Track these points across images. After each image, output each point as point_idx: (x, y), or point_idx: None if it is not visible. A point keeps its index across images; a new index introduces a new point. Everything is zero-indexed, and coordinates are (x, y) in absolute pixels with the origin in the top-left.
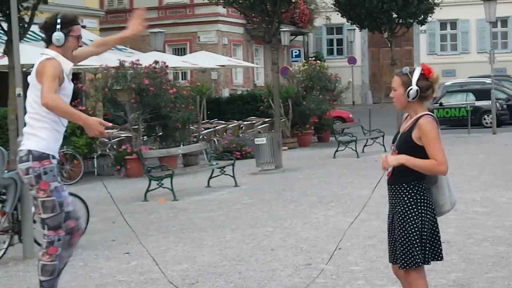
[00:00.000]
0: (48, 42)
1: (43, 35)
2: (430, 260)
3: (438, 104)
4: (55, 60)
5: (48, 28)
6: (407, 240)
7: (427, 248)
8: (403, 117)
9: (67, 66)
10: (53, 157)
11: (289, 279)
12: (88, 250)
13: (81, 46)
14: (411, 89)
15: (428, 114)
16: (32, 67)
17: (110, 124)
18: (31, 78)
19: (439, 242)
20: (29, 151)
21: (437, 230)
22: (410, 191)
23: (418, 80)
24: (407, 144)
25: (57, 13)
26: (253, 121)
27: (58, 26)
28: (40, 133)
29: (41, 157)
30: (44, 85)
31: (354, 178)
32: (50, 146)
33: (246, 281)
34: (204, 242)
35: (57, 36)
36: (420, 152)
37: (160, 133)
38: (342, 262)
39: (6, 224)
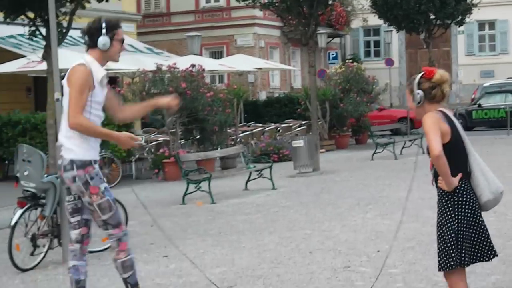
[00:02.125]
0: (90, 46)
1: (85, 39)
2: (468, 262)
3: (476, 106)
4: (84, 68)
5: (93, 33)
6: (443, 242)
7: (464, 251)
8: None
9: (100, 74)
10: (95, 162)
11: (328, 282)
12: None
13: (124, 50)
14: (413, 95)
15: (433, 111)
16: None
17: (140, 138)
18: (64, 85)
19: (484, 242)
20: (72, 161)
21: (481, 230)
22: (448, 193)
23: (419, 84)
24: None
25: (100, 18)
26: (291, 124)
27: (104, 31)
28: (78, 141)
29: (84, 164)
30: (71, 103)
31: (392, 180)
32: (89, 153)
33: (285, 284)
34: (242, 245)
35: (103, 41)
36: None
37: (198, 136)
38: (381, 264)
39: (46, 227)
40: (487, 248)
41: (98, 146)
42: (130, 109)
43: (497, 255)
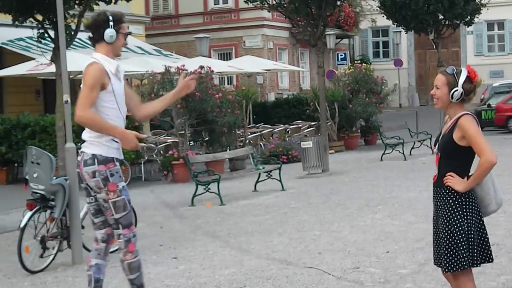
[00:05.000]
0: (96, 41)
1: (90, 35)
2: (478, 262)
3: (486, 106)
4: (96, 64)
5: (99, 25)
6: (453, 243)
7: (475, 251)
8: (445, 119)
9: (113, 65)
10: (117, 159)
11: (337, 282)
12: None
13: (126, 45)
14: (456, 90)
15: (468, 114)
16: (79, 74)
17: (145, 136)
18: (82, 85)
19: (488, 244)
20: (94, 155)
21: (484, 231)
22: (456, 193)
23: (464, 82)
24: (449, 145)
25: (103, 11)
26: (299, 125)
27: (111, 23)
28: (101, 139)
29: (106, 160)
30: (79, 98)
31: (402, 181)
32: (112, 150)
33: (294, 285)
34: (251, 246)
35: (110, 33)
36: (461, 152)
37: (207, 138)
38: (390, 265)
39: (55, 230)
40: (490, 249)
41: (121, 147)
42: (150, 105)
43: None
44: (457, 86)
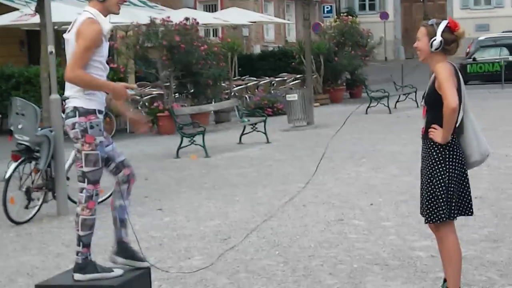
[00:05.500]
0: None
1: None
2: (456, 215)
3: (471, 59)
4: (97, 25)
5: None
6: (433, 195)
7: (453, 204)
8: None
9: (106, 28)
10: (99, 112)
11: (321, 234)
12: None
13: (125, 2)
14: (434, 39)
15: (446, 62)
16: (64, 25)
17: (135, 86)
18: (71, 37)
19: (469, 197)
20: (75, 108)
21: (467, 185)
22: (439, 146)
23: (443, 31)
24: (432, 96)
25: None
26: (285, 78)
27: None
28: (82, 92)
29: (87, 112)
30: (73, 57)
31: (386, 134)
32: (94, 103)
33: (278, 236)
34: (236, 198)
35: None
36: (443, 102)
37: (192, 90)
38: (374, 217)
39: (40, 181)
40: (471, 203)
41: (104, 98)
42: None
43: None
44: (436, 36)
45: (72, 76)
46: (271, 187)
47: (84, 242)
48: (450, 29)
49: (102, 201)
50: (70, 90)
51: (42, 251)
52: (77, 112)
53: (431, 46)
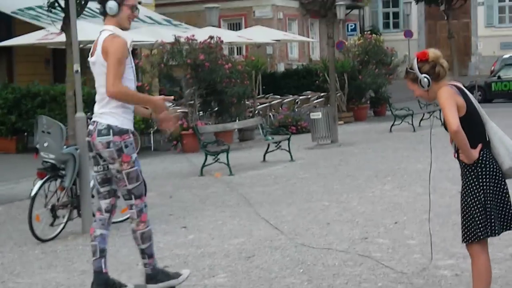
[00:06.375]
0: (102, 13)
1: (100, 8)
2: (497, 232)
3: (496, 77)
4: (120, 38)
5: None
6: (469, 214)
7: (492, 221)
8: None
9: (128, 40)
10: (131, 131)
11: (345, 252)
12: None
13: (136, 17)
14: (419, 80)
15: (447, 85)
16: (89, 43)
17: (172, 98)
18: (98, 57)
19: (510, 211)
20: (109, 126)
21: (506, 199)
22: (471, 165)
23: (419, 69)
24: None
25: None
26: (309, 96)
27: None
28: (116, 110)
29: (121, 131)
30: (109, 72)
31: (410, 152)
32: (128, 122)
33: (302, 254)
34: (260, 216)
35: (111, 4)
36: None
37: (216, 108)
38: (398, 236)
39: (65, 199)
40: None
41: (133, 116)
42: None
43: None
44: (419, 76)
45: (116, 91)
46: (295, 205)
47: (148, 254)
48: (423, 60)
49: (122, 221)
50: (105, 106)
51: (67, 268)
52: (111, 131)
53: (423, 87)
